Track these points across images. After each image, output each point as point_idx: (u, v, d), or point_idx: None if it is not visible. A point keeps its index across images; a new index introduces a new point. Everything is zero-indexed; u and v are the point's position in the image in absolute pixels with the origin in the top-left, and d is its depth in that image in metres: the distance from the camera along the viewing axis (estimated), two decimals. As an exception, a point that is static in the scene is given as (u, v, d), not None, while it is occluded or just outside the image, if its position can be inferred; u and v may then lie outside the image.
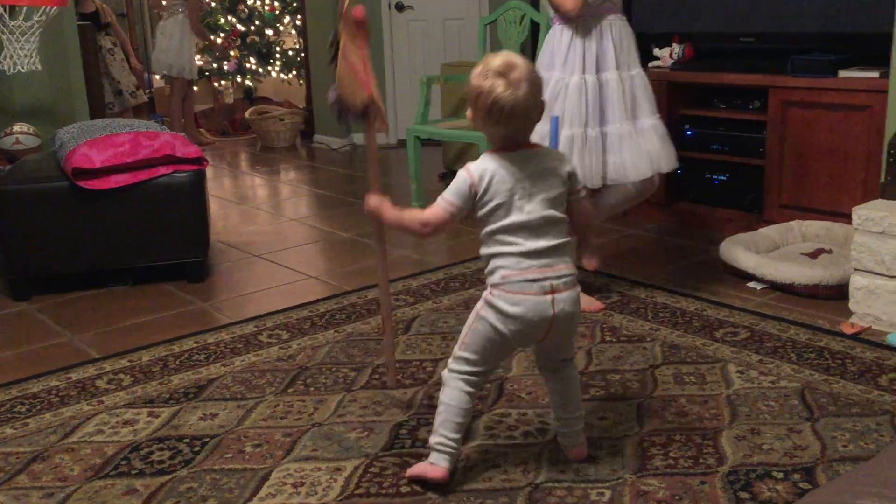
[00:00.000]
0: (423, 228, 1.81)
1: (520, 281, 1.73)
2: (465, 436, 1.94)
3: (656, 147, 2.78)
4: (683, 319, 2.74)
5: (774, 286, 2.98)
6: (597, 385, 2.30)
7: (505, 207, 1.73)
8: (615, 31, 2.72)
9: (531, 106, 1.71)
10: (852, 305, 2.67)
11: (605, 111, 2.73)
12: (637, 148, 2.75)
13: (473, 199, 1.75)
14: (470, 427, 2.04)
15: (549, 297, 1.73)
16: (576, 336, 1.94)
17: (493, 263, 1.77)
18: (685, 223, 3.85)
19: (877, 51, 3.14)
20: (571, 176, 1.80)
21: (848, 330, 2.61)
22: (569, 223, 1.81)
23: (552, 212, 1.75)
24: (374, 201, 1.90)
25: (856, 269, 2.65)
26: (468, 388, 1.82)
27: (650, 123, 2.79)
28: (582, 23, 2.67)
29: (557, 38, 2.72)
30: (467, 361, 1.81)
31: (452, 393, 1.82)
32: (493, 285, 1.76)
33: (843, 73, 3.30)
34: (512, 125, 1.72)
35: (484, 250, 1.79)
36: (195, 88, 6.97)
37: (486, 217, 1.75)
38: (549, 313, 1.74)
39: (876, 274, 2.59)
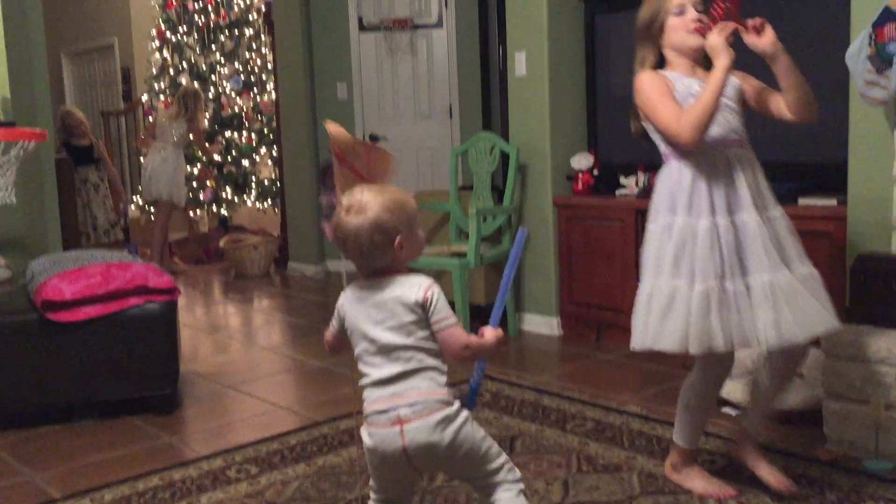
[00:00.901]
0: (326, 345, 1.89)
1: (371, 413, 1.73)
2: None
3: (811, 303, 2.22)
4: (660, 447, 2.71)
5: (749, 411, 2.97)
6: (574, 518, 2.25)
7: (356, 335, 1.77)
8: (745, 166, 2.26)
9: (367, 243, 1.70)
10: (827, 431, 2.66)
11: (745, 260, 2.22)
12: (792, 304, 2.20)
13: (343, 324, 1.81)
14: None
15: (396, 427, 1.69)
16: (486, 461, 1.75)
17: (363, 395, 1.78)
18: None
19: (833, 179, 3.26)
20: (422, 304, 1.71)
21: (824, 456, 2.59)
22: (434, 353, 1.75)
23: (396, 339, 1.71)
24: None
25: (828, 395, 2.65)
26: None
27: (802, 273, 2.25)
28: (704, 157, 2.24)
29: (676, 177, 2.27)
30: (371, 488, 1.83)
31: None
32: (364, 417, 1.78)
33: (802, 201, 3.40)
34: (350, 255, 1.75)
35: None
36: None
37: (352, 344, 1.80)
38: (398, 445, 1.70)
39: (848, 399, 2.60)
